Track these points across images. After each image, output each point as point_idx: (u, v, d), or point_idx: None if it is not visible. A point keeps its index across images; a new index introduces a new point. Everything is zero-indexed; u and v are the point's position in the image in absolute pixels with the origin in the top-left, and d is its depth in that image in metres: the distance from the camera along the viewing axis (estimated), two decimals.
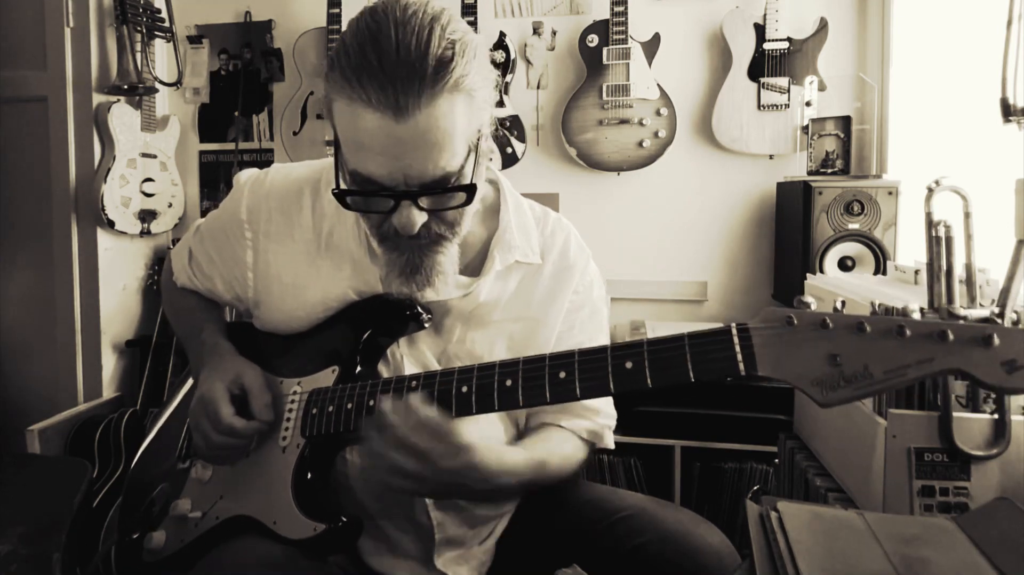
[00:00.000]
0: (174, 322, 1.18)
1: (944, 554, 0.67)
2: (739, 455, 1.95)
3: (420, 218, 0.82)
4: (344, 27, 2.40)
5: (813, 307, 0.67)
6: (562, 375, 0.76)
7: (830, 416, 1.09)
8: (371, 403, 0.87)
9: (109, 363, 2.38)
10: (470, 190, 0.82)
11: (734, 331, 0.69)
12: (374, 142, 0.77)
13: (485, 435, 0.91)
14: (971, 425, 0.85)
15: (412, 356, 0.96)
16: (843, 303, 0.67)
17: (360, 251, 0.96)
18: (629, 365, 0.73)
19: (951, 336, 0.61)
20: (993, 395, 0.86)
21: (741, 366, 0.68)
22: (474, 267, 0.97)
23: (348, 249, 0.97)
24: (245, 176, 1.05)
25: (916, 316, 0.64)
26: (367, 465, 0.83)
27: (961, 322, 0.62)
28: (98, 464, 2.09)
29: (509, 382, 0.78)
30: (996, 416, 0.85)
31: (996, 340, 0.59)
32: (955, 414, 0.85)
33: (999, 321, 0.62)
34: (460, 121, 0.79)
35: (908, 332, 0.62)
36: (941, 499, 0.85)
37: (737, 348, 0.68)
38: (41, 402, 2.30)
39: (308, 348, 0.99)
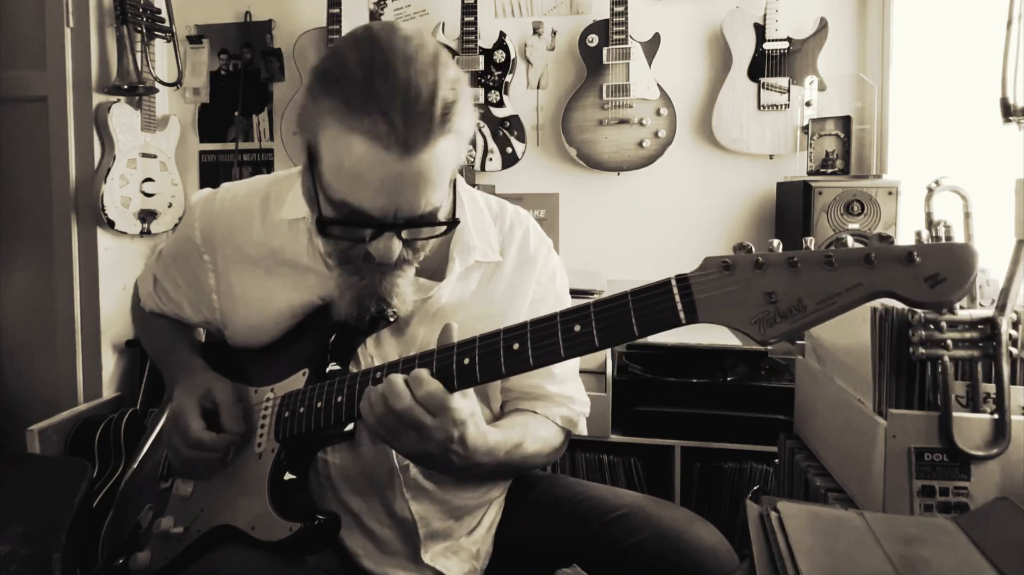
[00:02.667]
0: (147, 346, 1.19)
1: (944, 554, 0.67)
2: (739, 455, 1.95)
3: (399, 247, 0.83)
4: (339, 36, 2.41)
5: (754, 251, 0.68)
6: (515, 347, 0.77)
7: (830, 416, 1.09)
8: (339, 399, 0.87)
9: (109, 363, 2.38)
10: (452, 225, 0.85)
11: (673, 282, 0.70)
12: (373, 176, 0.77)
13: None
14: (971, 425, 0.85)
15: (381, 358, 0.96)
16: (780, 244, 0.69)
17: (317, 265, 0.96)
18: (577, 328, 0.74)
19: (875, 259, 0.62)
20: (993, 397, 0.86)
21: (682, 315, 0.69)
22: (433, 270, 0.97)
23: (303, 264, 0.97)
24: (195, 199, 1.06)
25: (851, 246, 0.66)
26: (368, 424, 0.81)
27: (884, 244, 0.63)
28: (98, 464, 2.09)
29: (467, 360, 0.79)
30: (996, 416, 0.85)
31: (917, 257, 0.61)
32: (955, 414, 0.85)
33: (923, 240, 0.64)
34: (451, 161, 0.81)
35: (836, 262, 0.64)
36: (941, 499, 0.85)
37: (677, 298, 0.70)
38: (41, 402, 2.30)
39: (279, 356, 1.00)
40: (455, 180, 0.86)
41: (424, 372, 0.79)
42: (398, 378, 0.79)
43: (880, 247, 0.63)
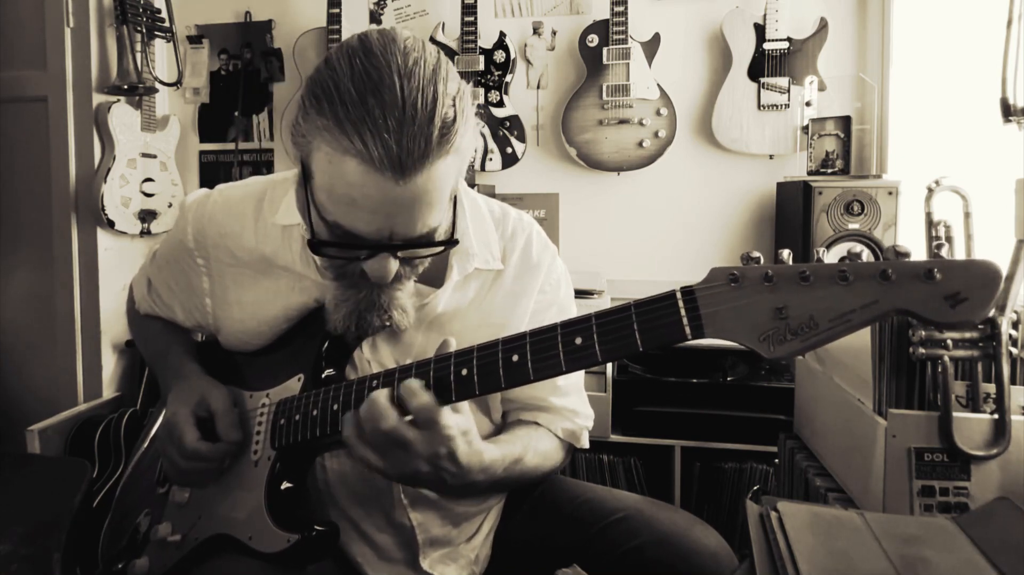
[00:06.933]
0: (142, 348, 1.17)
1: (944, 554, 0.67)
2: (739, 455, 1.95)
3: (395, 266, 0.80)
4: (338, 40, 2.41)
5: (762, 262, 0.65)
6: (515, 358, 0.75)
7: (830, 416, 1.09)
8: (335, 407, 0.85)
9: (109, 363, 2.38)
10: (450, 244, 0.82)
11: (678, 295, 0.67)
12: (367, 201, 0.74)
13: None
14: (971, 425, 0.85)
15: (377, 362, 0.95)
16: (790, 254, 0.66)
17: (310, 272, 0.94)
18: (579, 341, 0.71)
19: (893, 275, 0.59)
20: (993, 397, 0.86)
21: (687, 330, 0.66)
22: (432, 276, 0.94)
23: (296, 270, 0.95)
24: (189, 201, 1.03)
25: (865, 259, 0.63)
26: (355, 449, 0.79)
27: (903, 259, 0.60)
28: (98, 464, 2.09)
29: (465, 371, 0.77)
30: (996, 416, 0.85)
31: (938, 274, 0.58)
32: (955, 414, 0.85)
33: (943, 256, 0.60)
34: (451, 181, 0.78)
35: (851, 277, 0.60)
36: (941, 499, 0.85)
37: (683, 312, 0.66)
38: (41, 402, 2.30)
39: (275, 360, 0.98)
40: (455, 193, 0.83)
41: (417, 383, 0.76)
42: (381, 395, 0.76)
43: (898, 263, 0.59)
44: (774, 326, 0.63)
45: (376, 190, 0.73)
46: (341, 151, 0.72)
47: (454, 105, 0.74)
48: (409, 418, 0.76)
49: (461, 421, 0.79)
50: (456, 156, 0.76)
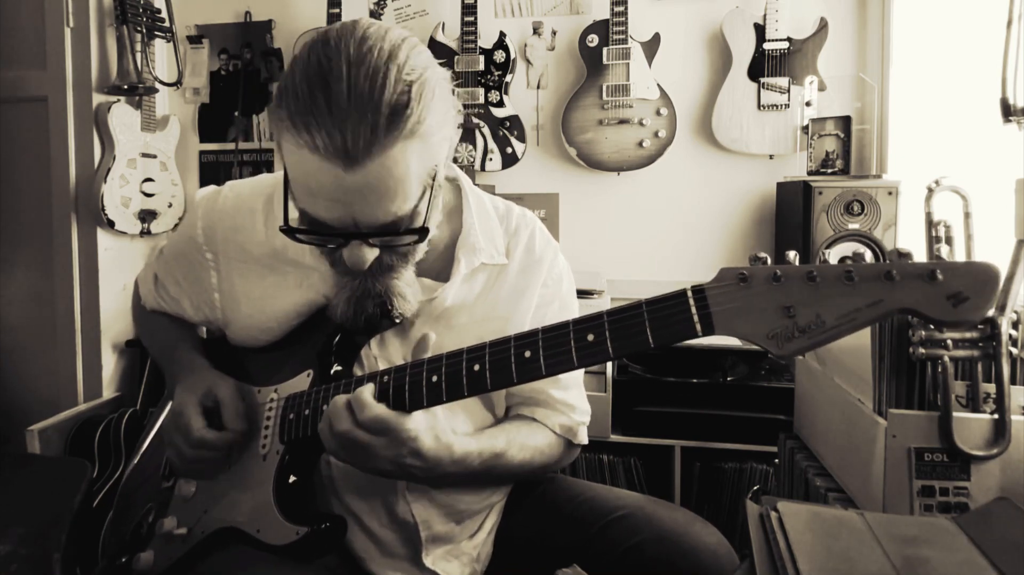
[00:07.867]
0: (148, 344, 1.18)
1: (944, 554, 0.67)
2: (739, 455, 1.95)
3: (371, 254, 0.81)
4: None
5: (769, 263, 0.68)
6: (527, 354, 0.76)
7: (830, 416, 1.09)
8: None
9: (109, 363, 2.38)
10: (422, 233, 0.82)
11: (689, 293, 0.69)
12: (322, 189, 0.75)
13: (448, 427, 0.89)
14: (971, 425, 0.85)
15: (384, 359, 0.95)
16: (796, 255, 0.68)
17: (320, 265, 0.94)
18: (591, 337, 0.73)
19: (897, 276, 0.62)
20: (993, 397, 0.86)
21: (698, 327, 0.68)
22: (438, 270, 0.96)
23: (306, 263, 0.96)
24: (199, 196, 1.05)
25: (868, 260, 0.66)
26: (327, 445, 0.83)
27: (907, 261, 0.63)
28: (98, 464, 2.09)
29: (477, 367, 0.78)
30: (996, 416, 0.85)
31: (940, 275, 0.61)
32: (955, 414, 0.85)
33: (943, 256, 0.62)
34: (414, 167, 0.76)
35: (856, 277, 0.63)
36: (941, 499, 0.85)
37: (693, 310, 0.68)
38: (41, 402, 2.30)
39: (283, 355, 0.99)
40: (433, 182, 0.82)
41: (367, 395, 0.79)
42: (339, 400, 0.80)
43: (902, 264, 0.62)
44: (782, 324, 0.65)
45: (328, 179, 0.74)
46: (296, 144, 0.75)
47: (408, 91, 0.74)
48: None
49: (423, 420, 0.81)
50: (418, 141, 0.76)
